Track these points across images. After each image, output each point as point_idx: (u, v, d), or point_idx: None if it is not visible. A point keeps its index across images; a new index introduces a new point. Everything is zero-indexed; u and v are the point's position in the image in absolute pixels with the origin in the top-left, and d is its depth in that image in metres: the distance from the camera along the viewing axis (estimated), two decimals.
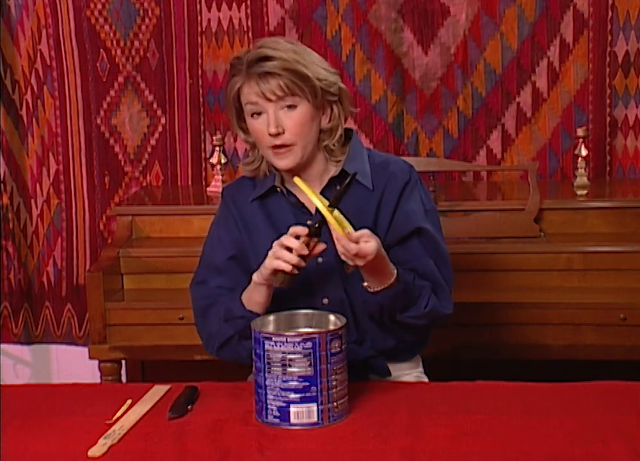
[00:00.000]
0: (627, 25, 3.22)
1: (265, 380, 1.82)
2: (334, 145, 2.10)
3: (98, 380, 2.97)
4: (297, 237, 1.95)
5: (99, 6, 3.38)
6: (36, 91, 3.46)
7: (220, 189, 2.79)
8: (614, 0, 3.22)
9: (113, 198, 3.48)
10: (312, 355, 1.80)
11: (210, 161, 3.23)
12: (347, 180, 1.92)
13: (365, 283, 1.99)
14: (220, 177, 3.17)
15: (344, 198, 1.92)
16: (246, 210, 2.15)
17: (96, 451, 1.74)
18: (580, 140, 3.04)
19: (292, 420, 1.81)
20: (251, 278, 2.03)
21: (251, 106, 2.04)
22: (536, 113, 3.31)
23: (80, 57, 3.41)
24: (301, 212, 2.11)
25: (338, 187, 2.03)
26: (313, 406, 1.81)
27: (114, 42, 3.39)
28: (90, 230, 3.49)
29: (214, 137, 3.22)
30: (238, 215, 2.15)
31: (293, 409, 1.81)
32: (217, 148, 3.18)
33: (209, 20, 3.36)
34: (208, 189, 3.23)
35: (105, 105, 3.44)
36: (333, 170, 2.11)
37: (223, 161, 3.18)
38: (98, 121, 3.44)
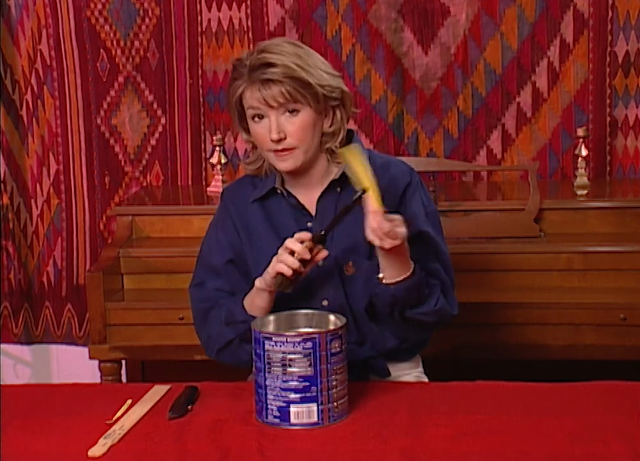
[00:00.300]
0: (627, 25, 3.22)
1: (265, 379, 1.82)
2: (336, 146, 2.09)
3: (98, 380, 2.97)
4: (302, 242, 1.95)
5: (99, 6, 3.37)
6: (36, 91, 3.46)
7: (220, 189, 2.80)
8: (614, 0, 3.22)
9: (113, 198, 3.47)
10: (312, 355, 1.80)
11: (210, 161, 3.23)
12: (353, 201, 1.89)
13: (381, 275, 1.98)
14: (220, 177, 3.16)
15: (344, 199, 1.91)
16: (246, 211, 2.14)
17: (96, 451, 1.74)
18: (580, 140, 3.03)
19: (292, 420, 1.81)
20: (252, 283, 2.03)
21: (253, 110, 2.04)
22: (536, 113, 3.31)
23: (80, 57, 3.40)
24: (301, 214, 2.11)
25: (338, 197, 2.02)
26: (313, 406, 1.81)
27: (114, 42, 3.39)
28: (90, 230, 3.49)
29: (214, 137, 3.22)
30: (237, 217, 2.15)
31: (293, 409, 1.81)
32: (217, 148, 3.18)
33: (209, 20, 3.36)
34: (208, 189, 3.23)
35: (105, 105, 3.43)
36: (335, 171, 2.11)
37: (223, 161, 3.18)
38: (98, 121, 3.44)
